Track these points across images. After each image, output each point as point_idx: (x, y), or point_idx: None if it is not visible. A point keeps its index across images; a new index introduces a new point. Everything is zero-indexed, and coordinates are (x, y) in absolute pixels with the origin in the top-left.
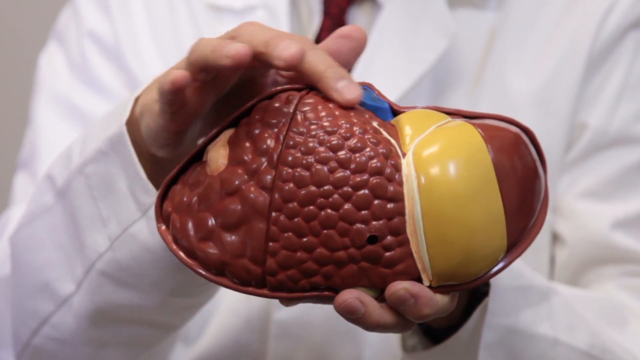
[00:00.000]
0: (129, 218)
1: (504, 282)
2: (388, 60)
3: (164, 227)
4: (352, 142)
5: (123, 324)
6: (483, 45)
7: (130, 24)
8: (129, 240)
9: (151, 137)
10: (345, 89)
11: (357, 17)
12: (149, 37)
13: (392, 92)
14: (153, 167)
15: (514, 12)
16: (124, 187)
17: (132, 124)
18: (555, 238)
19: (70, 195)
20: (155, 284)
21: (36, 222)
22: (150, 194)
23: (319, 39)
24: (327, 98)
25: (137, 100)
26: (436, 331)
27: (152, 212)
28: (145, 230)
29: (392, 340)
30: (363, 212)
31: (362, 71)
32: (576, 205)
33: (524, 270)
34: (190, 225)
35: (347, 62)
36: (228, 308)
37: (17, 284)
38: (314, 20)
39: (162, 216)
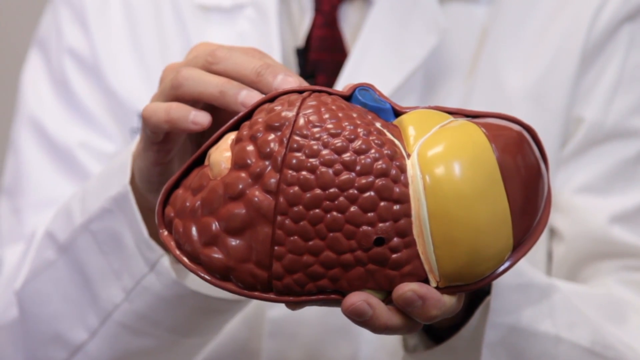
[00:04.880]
0: (139, 272)
1: (505, 280)
2: (378, 56)
3: (166, 233)
4: (357, 144)
5: None
6: (475, 40)
7: (109, 37)
8: (143, 292)
9: (144, 178)
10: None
11: (349, 13)
12: (129, 48)
13: (382, 88)
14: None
15: (507, 5)
16: (132, 244)
17: (131, 181)
18: (553, 233)
19: (76, 251)
20: (172, 328)
21: (40, 277)
22: (154, 251)
23: (310, 36)
24: (330, 100)
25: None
26: (437, 330)
27: (161, 267)
28: (157, 284)
29: (389, 337)
30: (369, 214)
31: (353, 68)
32: (573, 200)
33: (525, 267)
34: (194, 230)
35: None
36: None
37: (27, 335)
38: (306, 17)
39: (164, 221)
